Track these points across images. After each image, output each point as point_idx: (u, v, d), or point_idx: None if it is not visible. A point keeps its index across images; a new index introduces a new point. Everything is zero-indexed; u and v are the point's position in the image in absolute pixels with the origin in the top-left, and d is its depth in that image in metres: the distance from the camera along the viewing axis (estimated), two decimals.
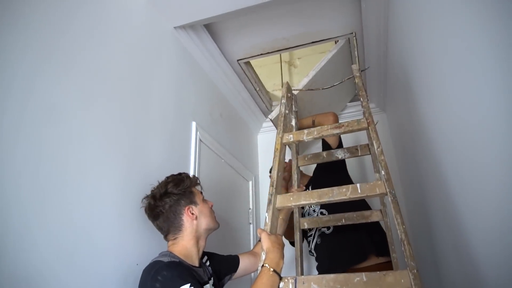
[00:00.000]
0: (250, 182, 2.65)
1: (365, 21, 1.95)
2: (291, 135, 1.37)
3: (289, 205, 1.18)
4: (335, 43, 2.38)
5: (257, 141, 3.08)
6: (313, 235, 1.79)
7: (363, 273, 0.95)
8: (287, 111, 1.57)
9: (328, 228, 1.72)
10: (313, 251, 1.78)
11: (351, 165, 2.65)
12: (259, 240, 1.19)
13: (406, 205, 2.26)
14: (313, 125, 1.88)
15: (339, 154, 1.69)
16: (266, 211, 1.17)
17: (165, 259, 1.09)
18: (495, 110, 0.78)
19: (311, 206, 1.83)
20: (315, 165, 2.04)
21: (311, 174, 2.09)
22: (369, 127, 1.25)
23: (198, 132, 1.89)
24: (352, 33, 2.15)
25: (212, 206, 1.32)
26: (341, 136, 1.91)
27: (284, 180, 1.80)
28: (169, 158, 1.61)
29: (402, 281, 0.91)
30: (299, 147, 1.91)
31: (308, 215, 1.84)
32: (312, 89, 2.01)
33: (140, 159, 1.40)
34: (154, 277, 1.01)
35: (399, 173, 2.42)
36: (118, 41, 1.41)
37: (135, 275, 1.19)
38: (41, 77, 1.02)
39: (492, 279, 0.95)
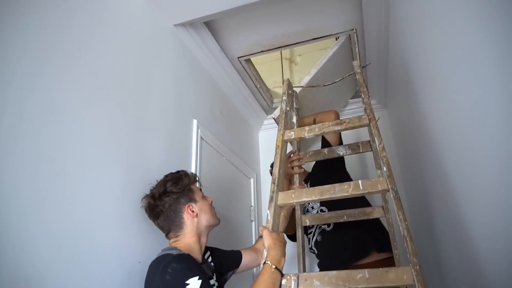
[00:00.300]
0: (252, 180, 2.65)
1: (366, 17, 1.94)
2: (292, 132, 1.37)
3: (291, 202, 1.18)
4: (336, 39, 2.37)
5: (258, 139, 3.08)
6: (313, 232, 1.80)
7: (365, 270, 0.95)
8: (288, 108, 1.56)
9: (329, 225, 1.73)
10: (314, 248, 1.78)
11: (352, 162, 2.66)
12: (260, 236, 1.20)
13: (408, 202, 2.26)
14: (314, 123, 1.88)
15: (341, 151, 1.69)
16: (268, 208, 1.17)
17: (174, 252, 1.10)
18: (497, 106, 0.78)
19: (309, 203, 1.83)
20: (314, 162, 2.05)
21: (310, 171, 2.10)
22: (371, 124, 1.25)
23: (199, 130, 1.89)
24: (352, 29, 2.14)
25: (212, 202, 1.32)
26: (342, 134, 1.91)
27: (288, 174, 1.78)
28: (170, 156, 1.61)
29: (405, 277, 0.91)
30: (300, 144, 1.91)
31: (307, 212, 1.84)
32: (313, 86, 2.00)
33: (141, 157, 1.40)
34: (164, 269, 1.01)
35: (400, 170, 2.41)
36: (118, 39, 1.41)
37: (138, 273, 1.19)
38: (40, 76, 1.02)
39: (493, 274, 0.95)
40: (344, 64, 2.35)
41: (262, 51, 2.32)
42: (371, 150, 1.61)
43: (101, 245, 1.11)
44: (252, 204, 2.57)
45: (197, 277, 0.98)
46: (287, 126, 1.48)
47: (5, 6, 0.95)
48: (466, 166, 1.03)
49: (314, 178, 1.94)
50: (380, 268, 0.94)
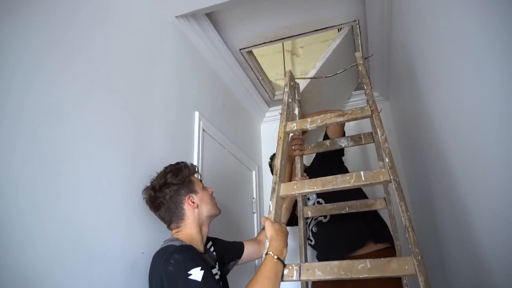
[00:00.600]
0: (254, 172, 2.65)
1: (369, 7, 1.92)
2: (295, 124, 1.37)
3: (293, 193, 1.18)
4: (338, 31, 2.35)
5: (260, 131, 3.08)
6: (308, 223, 1.82)
7: (367, 260, 0.95)
8: (290, 100, 1.56)
9: (325, 216, 1.74)
10: (311, 238, 1.80)
11: (354, 154, 2.66)
12: (263, 228, 1.20)
13: (409, 194, 2.26)
14: None
15: (343, 143, 1.68)
16: (270, 200, 1.17)
17: (177, 243, 1.10)
18: (502, 98, 0.77)
19: (305, 195, 1.84)
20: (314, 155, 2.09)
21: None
22: (373, 115, 1.24)
23: (201, 122, 1.89)
24: (355, 20, 2.12)
25: (212, 192, 1.33)
26: (345, 128, 1.91)
27: (290, 157, 1.76)
28: (172, 148, 1.61)
29: (406, 267, 0.91)
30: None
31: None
32: (315, 77, 1.99)
33: (143, 149, 1.40)
34: (167, 260, 1.02)
35: (402, 163, 2.41)
36: (119, 31, 1.40)
37: (141, 264, 1.20)
38: (42, 70, 1.01)
39: (495, 263, 0.95)
40: (346, 56, 2.34)
41: (264, 43, 2.30)
42: (373, 142, 1.60)
43: (105, 237, 1.12)
44: (254, 196, 2.57)
45: (200, 268, 0.99)
46: (289, 117, 1.47)
47: (4, 5, 0.94)
48: (470, 158, 1.03)
49: (312, 171, 1.94)
50: (382, 258, 0.94)
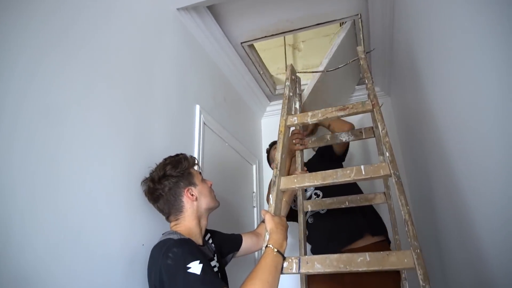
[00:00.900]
0: (254, 166, 2.66)
1: (371, 2, 1.91)
2: (295, 117, 1.36)
3: (293, 186, 1.18)
4: (340, 25, 2.34)
5: (261, 125, 3.08)
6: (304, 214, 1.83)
7: (366, 253, 0.95)
8: (291, 94, 1.55)
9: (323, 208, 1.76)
10: (306, 230, 1.81)
11: (355, 150, 2.66)
12: (262, 221, 1.20)
13: (409, 189, 2.27)
14: (329, 128, 1.90)
15: (344, 137, 1.68)
16: (270, 193, 1.17)
17: (175, 237, 1.11)
18: (504, 94, 0.77)
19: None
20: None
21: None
22: (374, 109, 1.24)
23: (202, 115, 1.88)
24: (357, 14, 2.10)
25: (211, 185, 1.33)
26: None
27: (291, 151, 1.77)
28: (173, 141, 1.61)
29: (405, 260, 0.91)
30: (303, 130, 1.90)
31: None
32: (316, 71, 1.99)
33: (144, 142, 1.40)
34: (165, 254, 1.02)
35: (402, 158, 2.41)
36: (120, 24, 1.39)
37: (141, 256, 1.21)
38: (43, 64, 1.01)
39: (494, 259, 0.96)
40: (349, 51, 2.33)
41: (265, 36, 2.29)
42: (374, 136, 1.60)
43: (106, 228, 1.13)
44: (254, 190, 2.58)
45: (198, 261, 0.99)
46: (290, 111, 1.47)
47: (4, 5, 0.94)
48: (471, 154, 1.03)
49: (311, 166, 1.95)
50: (381, 252, 0.94)
